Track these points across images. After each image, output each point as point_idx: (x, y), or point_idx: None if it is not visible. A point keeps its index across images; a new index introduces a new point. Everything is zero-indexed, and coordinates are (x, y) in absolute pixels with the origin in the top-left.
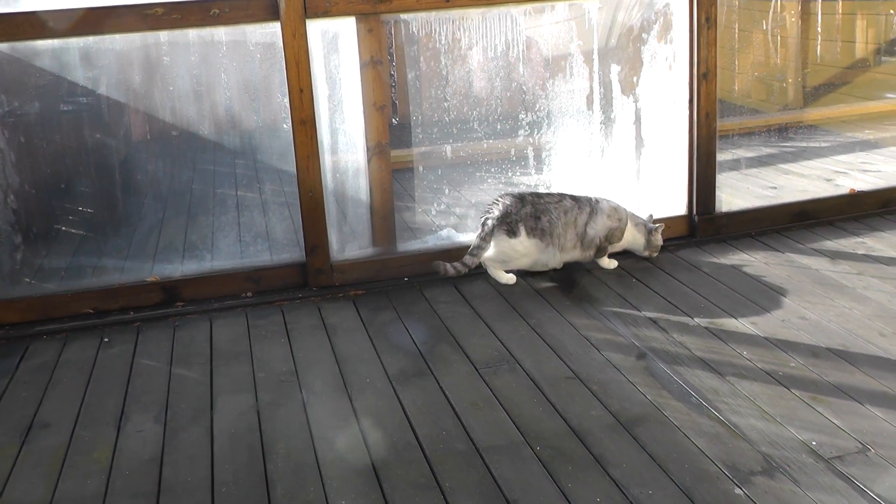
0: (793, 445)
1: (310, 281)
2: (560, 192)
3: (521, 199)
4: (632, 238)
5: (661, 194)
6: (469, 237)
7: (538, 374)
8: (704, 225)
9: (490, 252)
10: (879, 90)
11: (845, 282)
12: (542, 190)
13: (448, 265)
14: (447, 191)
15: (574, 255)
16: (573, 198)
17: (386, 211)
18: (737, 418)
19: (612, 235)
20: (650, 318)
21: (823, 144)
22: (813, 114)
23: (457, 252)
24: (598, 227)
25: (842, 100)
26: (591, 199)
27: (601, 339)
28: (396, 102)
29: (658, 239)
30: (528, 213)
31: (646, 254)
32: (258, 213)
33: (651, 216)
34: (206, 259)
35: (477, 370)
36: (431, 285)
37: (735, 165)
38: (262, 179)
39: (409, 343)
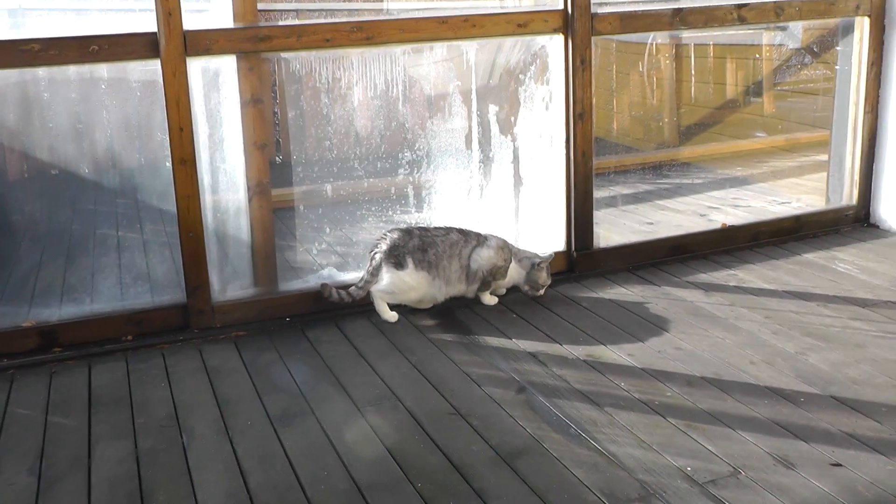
0: (669, 472)
1: (191, 322)
2: (449, 226)
3: (408, 232)
4: (515, 274)
5: (541, 231)
6: (351, 276)
7: (420, 411)
8: (583, 260)
9: (381, 284)
10: (748, 129)
11: (718, 312)
12: (428, 225)
13: (335, 290)
14: (328, 230)
15: (459, 288)
16: (461, 231)
17: (267, 250)
18: (614, 447)
19: (497, 271)
20: (530, 353)
21: (697, 181)
22: (687, 152)
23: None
24: (482, 261)
25: (714, 138)
26: (480, 234)
27: (482, 375)
28: (280, 140)
29: (540, 277)
30: (416, 245)
31: (526, 289)
32: (139, 253)
33: (550, 255)
34: (85, 302)
35: (359, 408)
36: (314, 325)
37: (612, 202)
38: (144, 219)
39: (290, 383)
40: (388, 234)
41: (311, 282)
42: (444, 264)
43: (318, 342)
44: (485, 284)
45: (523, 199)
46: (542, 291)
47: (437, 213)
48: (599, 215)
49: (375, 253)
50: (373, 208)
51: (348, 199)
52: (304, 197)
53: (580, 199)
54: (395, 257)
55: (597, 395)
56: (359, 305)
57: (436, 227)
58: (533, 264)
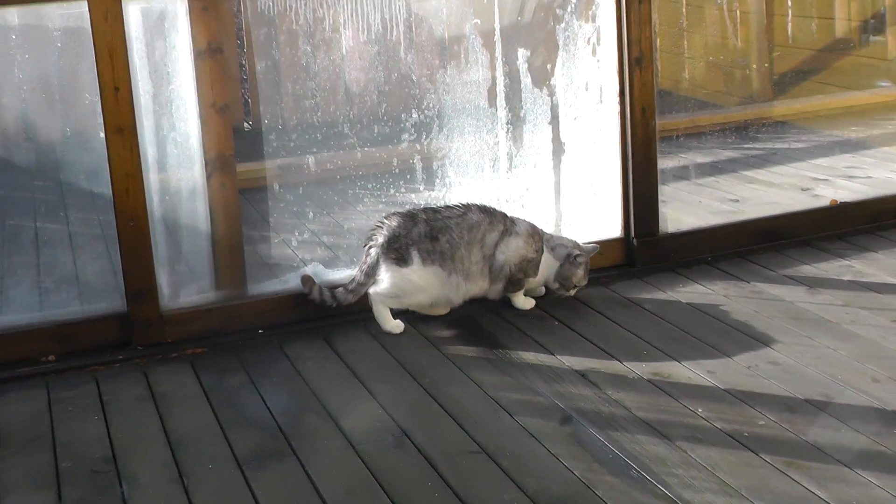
0: None
1: (134, 338)
2: (466, 203)
3: (411, 217)
4: (545, 267)
5: (589, 213)
6: (342, 274)
7: (433, 449)
8: (645, 250)
9: (381, 286)
10: (866, 77)
11: (828, 315)
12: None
13: (318, 287)
14: (312, 215)
15: (481, 286)
16: (483, 210)
17: (233, 243)
18: (690, 494)
19: (527, 266)
20: (577, 371)
21: (797, 145)
22: (783, 108)
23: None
24: (510, 253)
25: (819, 90)
26: (507, 216)
27: (514, 401)
28: (248, 101)
29: (576, 274)
30: (422, 233)
31: (555, 287)
32: (64, 250)
33: (594, 248)
34: None
35: (353, 447)
36: (294, 338)
37: (684, 174)
38: (69, 206)
39: (264, 415)
40: (385, 220)
41: (290, 282)
42: (462, 254)
43: (301, 360)
44: (513, 283)
45: (565, 172)
46: (573, 292)
47: (453, 192)
48: (667, 191)
49: (370, 246)
50: (369, 186)
51: (337, 175)
52: (279, 173)
53: (640, 170)
54: (396, 251)
55: (666, 426)
56: (352, 312)
57: (448, 207)
58: (569, 255)
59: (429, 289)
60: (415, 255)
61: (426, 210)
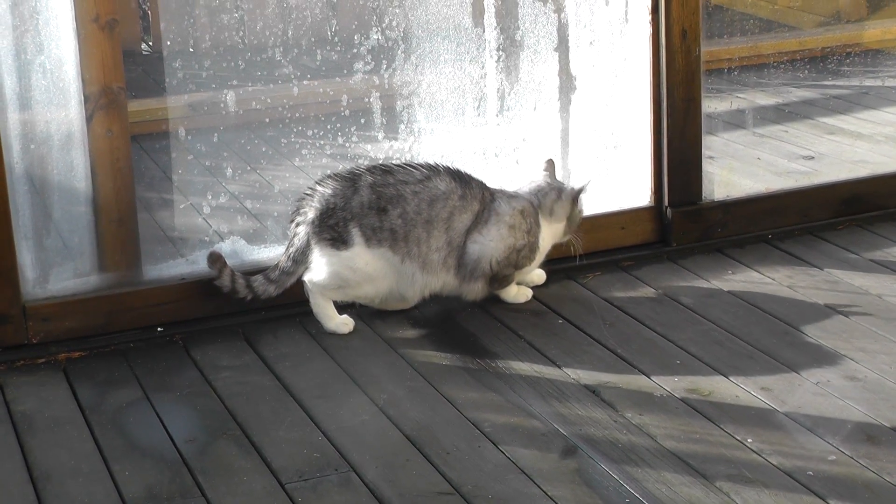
0: None
1: None
2: (432, 163)
3: (351, 181)
4: (548, 231)
5: (608, 173)
6: (271, 252)
7: (390, 490)
8: (684, 224)
9: (316, 275)
10: None
11: None
12: (394, 162)
13: (229, 270)
14: (231, 171)
15: (446, 280)
16: (454, 177)
17: (122, 209)
18: None
19: (518, 258)
20: (587, 387)
21: None
22: (880, 30)
23: (252, 274)
24: (490, 245)
25: None
26: (486, 189)
27: (501, 426)
28: (148, 13)
29: (581, 209)
30: (366, 203)
31: (566, 239)
32: None
33: (550, 160)
34: None
35: (282, 486)
36: (205, 339)
37: (738, 120)
38: None
39: (164, 442)
40: (317, 187)
41: (199, 263)
42: (419, 235)
43: (214, 369)
44: (500, 281)
45: (576, 117)
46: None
47: (424, 143)
48: (715, 144)
49: (298, 223)
50: (309, 133)
51: (266, 118)
52: (187, 114)
53: (679, 115)
54: (332, 228)
55: (703, 461)
56: (284, 305)
57: (405, 167)
58: (574, 198)
59: (378, 278)
60: (356, 234)
61: (373, 171)
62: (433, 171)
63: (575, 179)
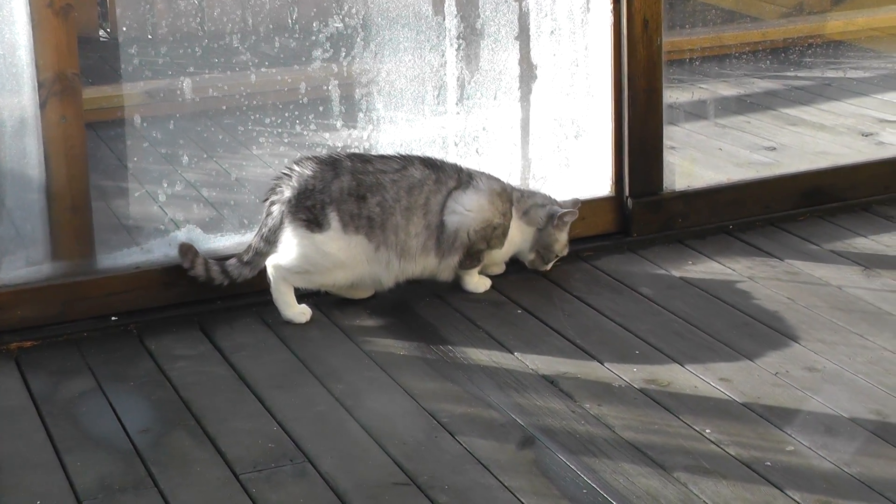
0: None
1: None
2: (406, 154)
3: (332, 165)
4: (518, 235)
5: (568, 163)
6: (228, 241)
7: (346, 480)
8: (644, 214)
9: (285, 257)
10: None
11: (888, 307)
12: (369, 153)
13: (202, 259)
14: (188, 159)
15: (425, 264)
16: (428, 164)
17: (76, 196)
18: None
19: (491, 234)
20: (545, 377)
21: (859, 74)
22: (842, 22)
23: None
24: (469, 215)
25: None
26: (461, 169)
27: (458, 416)
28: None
29: (560, 239)
30: (346, 189)
31: (530, 258)
32: None
33: (576, 202)
34: None
35: (237, 476)
36: (161, 329)
37: (700, 111)
38: None
39: (117, 433)
40: (296, 167)
41: (155, 251)
42: (398, 223)
43: (170, 359)
44: (471, 257)
45: (537, 106)
46: (550, 266)
47: (383, 132)
48: (677, 135)
49: (273, 202)
50: (267, 121)
51: (223, 106)
52: (143, 101)
53: (640, 105)
54: (309, 210)
55: (662, 452)
56: (240, 294)
57: (383, 157)
58: (552, 216)
59: (350, 265)
60: (333, 218)
61: (353, 158)
62: (408, 160)
63: (536, 169)
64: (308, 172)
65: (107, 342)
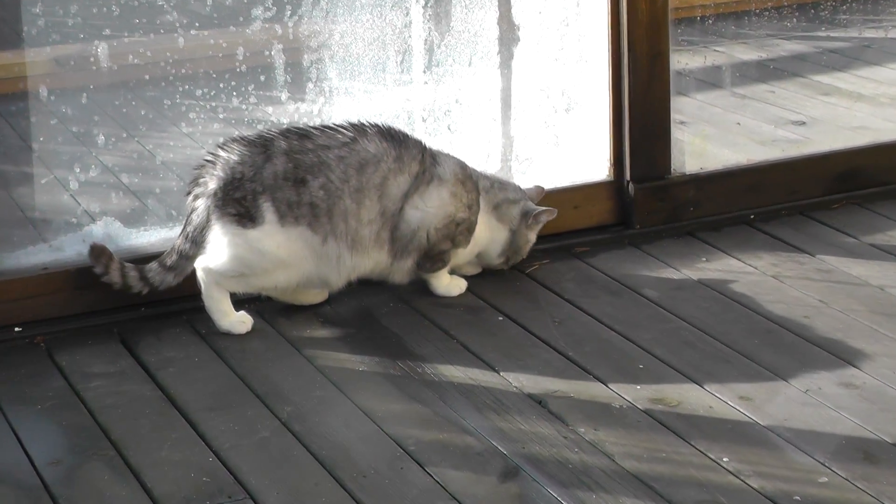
0: None
1: None
2: (355, 122)
3: (263, 146)
4: (485, 232)
5: (557, 141)
6: (153, 237)
7: None
8: (649, 202)
9: (213, 260)
10: None
11: None
12: (310, 124)
13: (117, 263)
14: (103, 139)
15: (377, 259)
16: (386, 136)
17: None
18: None
19: (455, 232)
20: (531, 396)
21: None
22: None
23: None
24: (430, 210)
25: None
26: (425, 148)
27: (429, 443)
28: None
29: (530, 238)
30: (281, 172)
31: (498, 262)
32: None
33: (541, 189)
34: None
35: None
36: (73, 341)
37: (714, 79)
38: None
39: (21, 465)
40: (221, 151)
41: (66, 249)
42: (347, 208)
43: (83, 377)
44: (432, 259)
45: (519, 74)
46: (509, 265)
47: (336, 105)
48: (687, 107)
49: (196, 195)
50: (198, 93)
51: (146, 75)
52: (50, 70)
53: (642, 72)
54: (238, 202)
55: (670, 484)
56: (169, 299)
57: (327, 129)
58: (526, 214)
59: (293, 263)
60: (267, 209)
61: (289, 135)
62: (359, 131)
63: (518, 149)
64: (234, 158)
65: (9, 358)
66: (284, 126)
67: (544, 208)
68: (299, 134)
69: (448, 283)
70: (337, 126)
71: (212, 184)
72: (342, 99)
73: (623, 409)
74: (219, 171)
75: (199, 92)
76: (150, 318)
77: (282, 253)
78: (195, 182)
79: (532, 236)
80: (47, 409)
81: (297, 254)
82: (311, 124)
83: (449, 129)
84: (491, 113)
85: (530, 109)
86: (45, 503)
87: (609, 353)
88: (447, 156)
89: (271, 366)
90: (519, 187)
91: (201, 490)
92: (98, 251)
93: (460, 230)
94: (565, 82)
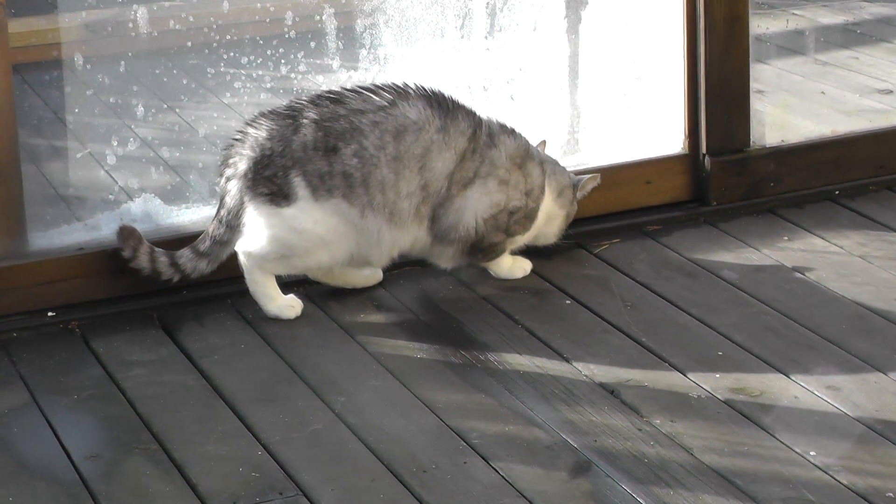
0: None
1: None
2: (397, 83)
3: (291, 118)
4: (544, 219)
5: (627, 112)
6: (195, 216)
7: None
8: (726, 176)
9: (253, 243)
10: None
11: None
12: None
13: (147, 248)
14: (142, 110)
15: (416, 235)
16: (432, 101)
17: (1, 161)
18: None
19: (509, 222)
20: (603, 386)
21: None
22: None
23: (171, 245)
24: (474, 196)
25: None
26: (478, 121)
27: (493, 435)
28: None
29: (576, 206)
30: (310, 143)
31: (551, 243)
32: None
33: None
34: None
35: None
36: (110, 327)
37: (795, 44)
38: None
39: (59, 459)
40: (249, 128)
41: (103, 229)
42: (384, 176)
43: (122, 365)
44: (484, 251)
45: (588, 38)
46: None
47: (393, 73)
48: (766, 75)
49: (228, 177)
50: (244, 61)
51: (188, 42)
52: (85, 37)
53: (719, 37)
54: (269, 180)
55: (754, 480)
56: (214, 281)
57: (366, 90)
58: (574, 187)
59: (332, 240)
60: (299, 184)
61: (320, 101)
62: (401, 94)
63: (586, 121)
64: (263, 134)
65: (42, 344)
66: (317, 93)
67: (589, 176)
68: (331, 99)
69: (511, 266)
70: (376, 87)
71: (241, 164)
72: (397, 66)
73: (702, 400)
74: (247, 150)
75: (244, 60)
76: (193, 302)
77: (320, 229)
78: (225, 163)
79: (576, 205)
80: (84, 400)
81: (337, 229)
82: (345, 87)
83: (511, 98)
84: (557, 82)
85: (599, 78)
86: (83, 499)
87: (685, 339)
88: (509, 133)
89: (323, 353)
90: (553, 159)
91: (250, 486)
92: (127, 233)
93: (515, 219)
94: (636, 49)
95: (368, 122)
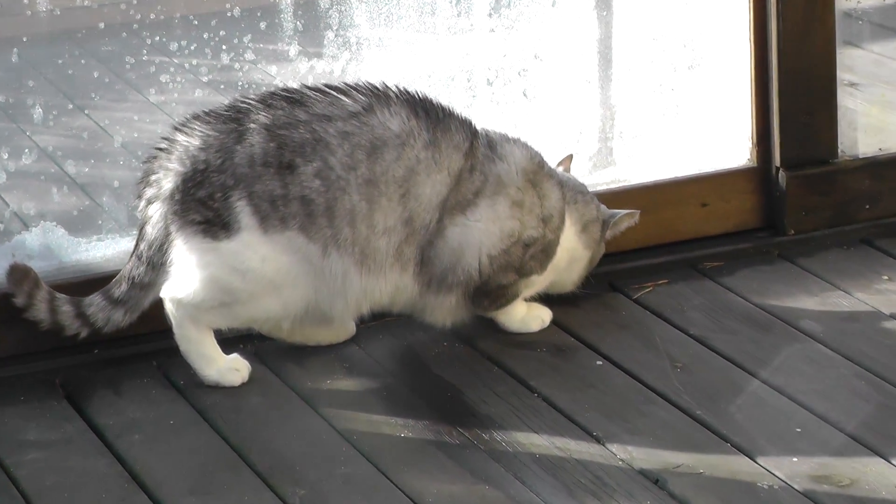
0: None
1: None
2: (374, 84)
3: (235, 121)
4: (566, 257)
5: (678, 112)
6: (110, 249)
7: None
8: (807, 196)
9: (182, 287)
10: None
11: None
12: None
13: (45, 293)
14: (41, 111)
15: (399, 284)
16: (415, 107)
17: None
18: None
19: (524, 258)
20: (642, 472)
21: None
22: None
23: (78, 290)
24: (479, 227)
25: None
26: (474, 132)
27: None
28: None
29: (604, 246)
30: (260, 155)
31: (570, 290)
32: None
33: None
34: None
35: None
36: (3, 395)
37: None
38: None
39: None
40: (179, 135)
41: None
42: (354, 205)
43: (15, 447)
44: (490, 296)
45: (623, 16)
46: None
47: (369, 62)
48: (859, 63)
49: (149, 199)
50: (174, 47)
51: (100, 23)
52: None
53: (795, 14)
54: (204, 204)
55: None
56: (134, 336)
57: (326, 90)
58: (605, 224)
59: (284, 283)
60: (243, 210)
61: (273, 100)
62: (379, 98)
63: (623, 124)
64: (196, 143)
65: None
66: (270, 90)
67: (625, 212)
68: (288, 99)
69: (525, 315)
70: (347, 87)
71: (167, 182)
72: (374, 54)
73: (774, 491)
74: (175, 164)
75: (173, 46)
76: (107, 363)
77: (268, 270)
78: (145, 181)
79: (603, 246)
80: None
81: (290, 271)
82: (313, 85)
83: (524, 95)
84: (584, 73)
85: (639, 67)
86: None
87: (753, 411)
88: (512, 143)
89: (277, 431)
90: (585, 186)
91: None
92: (19, 274)
93: (532, 254)
94: (687, 30)
95: (336, 132)
